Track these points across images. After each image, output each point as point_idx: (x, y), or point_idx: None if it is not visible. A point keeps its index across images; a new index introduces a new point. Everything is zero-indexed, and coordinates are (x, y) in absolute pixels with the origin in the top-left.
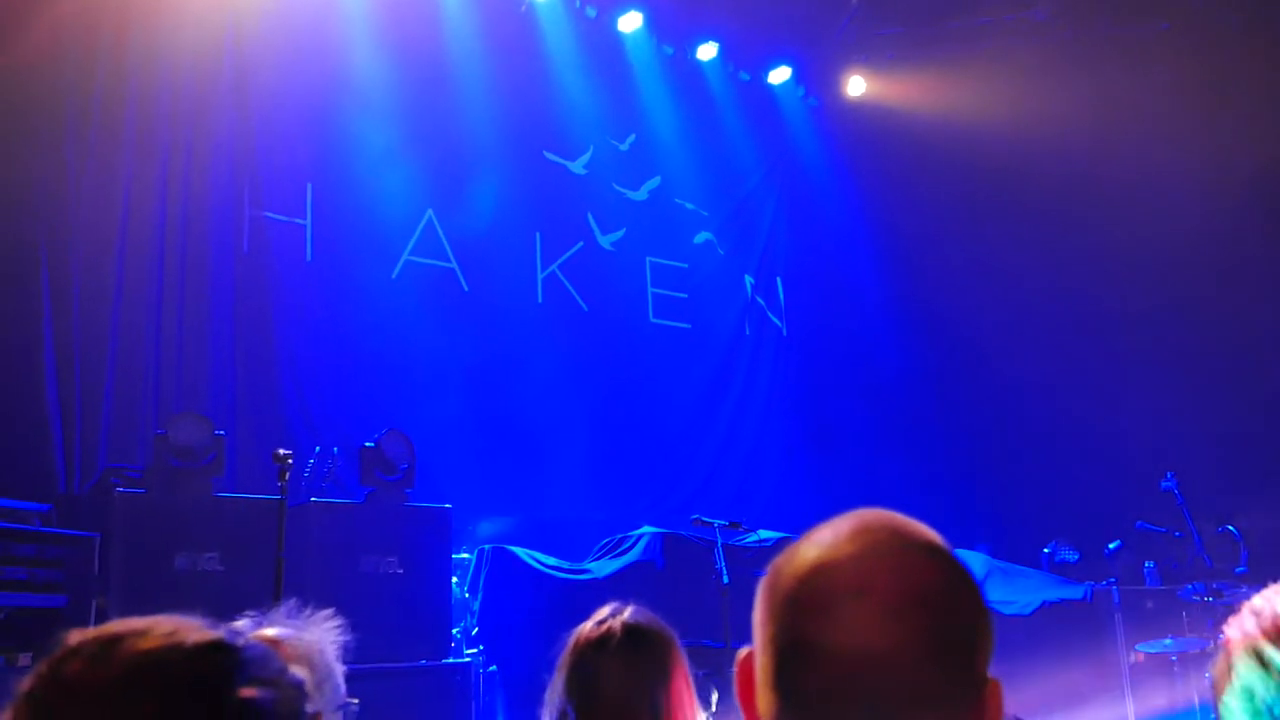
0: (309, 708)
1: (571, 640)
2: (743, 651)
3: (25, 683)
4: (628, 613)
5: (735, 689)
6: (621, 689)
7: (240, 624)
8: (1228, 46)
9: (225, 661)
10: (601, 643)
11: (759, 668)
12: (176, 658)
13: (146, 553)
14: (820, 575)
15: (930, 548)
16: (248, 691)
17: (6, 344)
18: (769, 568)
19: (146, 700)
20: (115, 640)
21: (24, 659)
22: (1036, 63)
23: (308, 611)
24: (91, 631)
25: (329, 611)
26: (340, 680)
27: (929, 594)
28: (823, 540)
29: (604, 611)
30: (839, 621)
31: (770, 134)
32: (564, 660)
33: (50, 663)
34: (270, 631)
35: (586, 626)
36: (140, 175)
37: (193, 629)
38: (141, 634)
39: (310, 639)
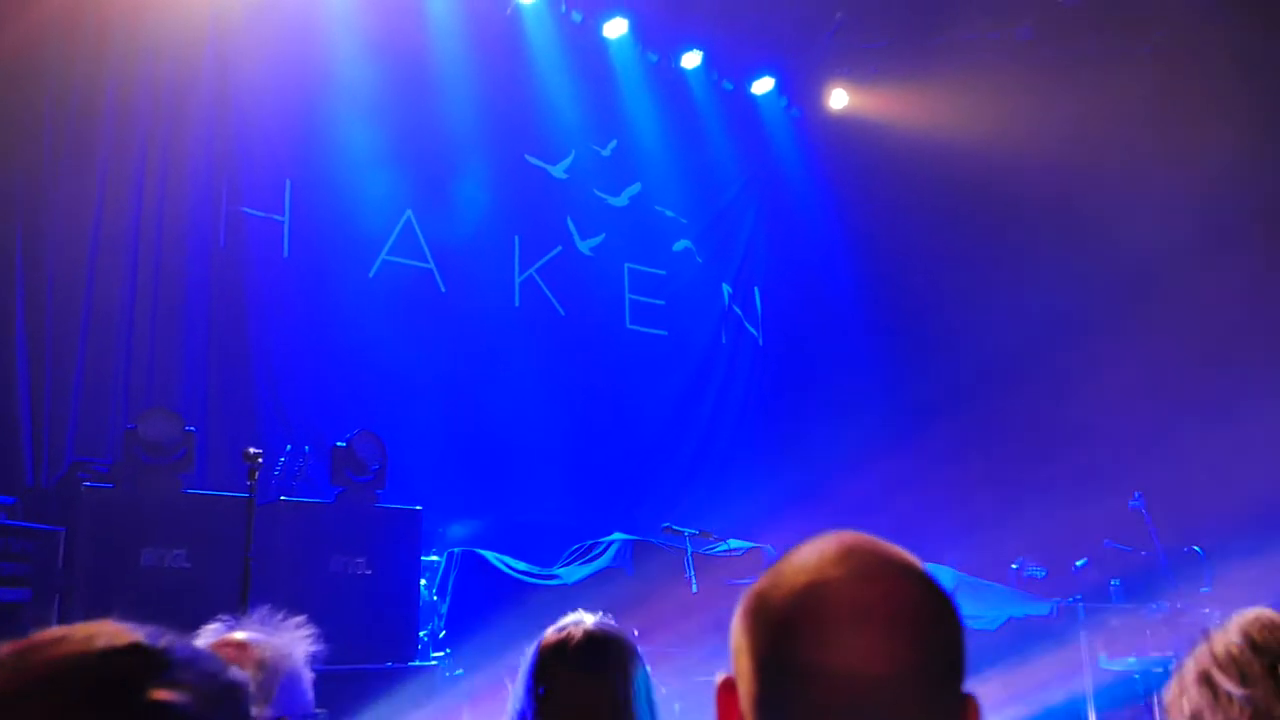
0: (254, 711)
1: (533, 647)
2: (721, 676)
3: None
4: (589, 620)
5: (716, 714)
6: (580, 696)
7: (210, 627)
8: (1212, 65)
9: (135, 664)
10: (560, 649)
11: (744, 693)
12: (85, 663)
13: (113, 548)
14: (814, 599)
15: (916, 571)
16: (160, 694)
17: None
18: (750, 591)
19: (51, 707)
20: (32, 648)
21: None
22: (1019, 80)
23: (280, 616)
24: (24, 639)
25: (301, 618)
26: (306, 685)
27: (921, 617)
28: (808, 563)
29: (567, 619)
30: (837, 645)
31: (752, 144)
32: (524, 666)
33: None
34: (238, 635)
35: (548, 633)
36: (117, 167)
37: (116, 633)
38: (60, 640)
39: (277, 643)
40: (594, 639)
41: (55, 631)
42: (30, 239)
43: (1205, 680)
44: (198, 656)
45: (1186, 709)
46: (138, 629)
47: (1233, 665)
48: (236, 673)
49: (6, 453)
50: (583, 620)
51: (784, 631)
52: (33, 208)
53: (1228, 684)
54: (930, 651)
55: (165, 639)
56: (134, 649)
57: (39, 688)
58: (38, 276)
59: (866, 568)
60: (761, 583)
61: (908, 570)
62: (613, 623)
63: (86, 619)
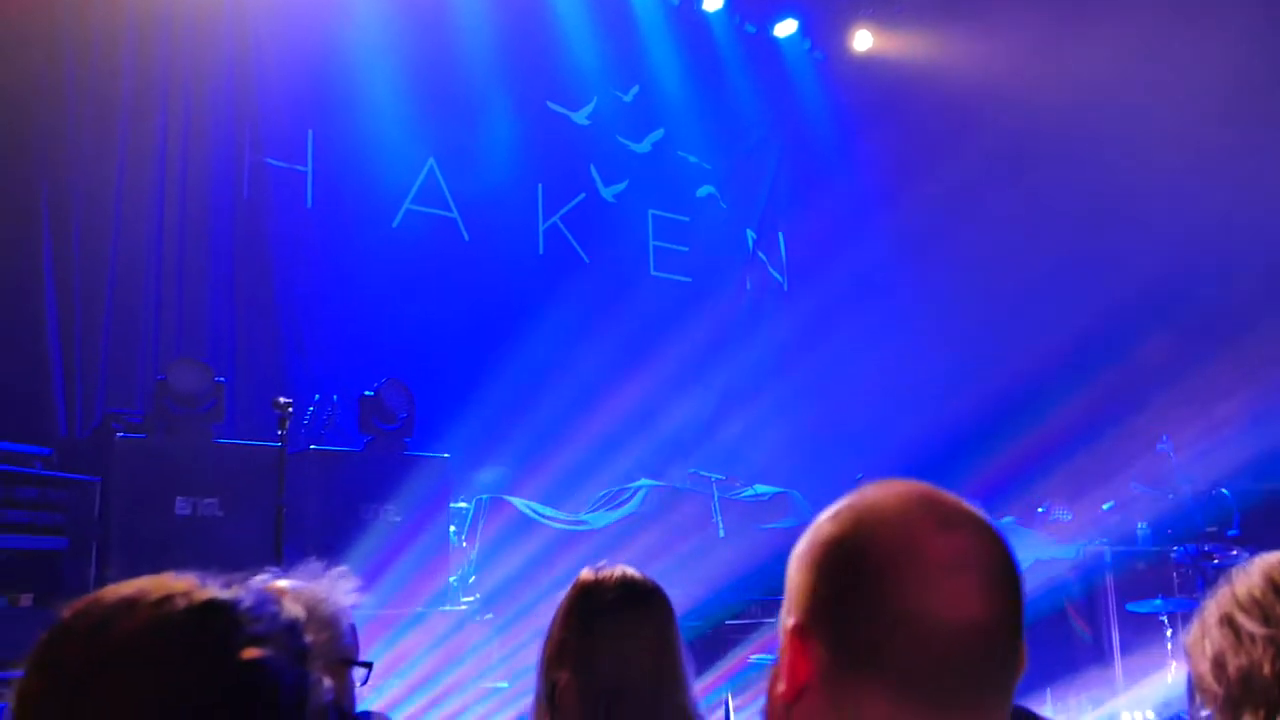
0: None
1: (567, 593)
2: (791, 620)
3: (24, 668)
4: (622, 568)
5: (786, 658)
6: (615, 636)
7: (260, 578)
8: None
9: (220, 624)
10: (597, 591)
11: (825, 640)
12: (170, 628)
13: (147, 497)
14: (911, 547)
15: (987, 520)
16: (249, 653)
17: (7, 289)
18: (825, 538)
19: (145, 678)
20: (109, 616)
21: (25, 600)
22: (1049, 17)
23: (322, 565)
24: (83, 604)
25: (343, 567)
26: (351, 635)
27: (1006, 564)
28: (893, 512)
29: (601, 563)
30: (939, 592)
31: (775, 87)
32: (559, 613)
33: (45, 646)
34: (280, 583)
35: (584, 575)
36: (139, 122)
37: (184, 591)
38: (133, 605)
39: (321, 591)
40: (630, 583)
41: (121, 592)
42: (56, 195)
43: (1227, 622)
44: (261, 601)
45: (1209, 650)
46: (190, 581)
47: (1255, 606)
48: (290, 607)
49: (40, 405)
50: (618, 566)
51: (881, 579)
52: (58, 164)
53: (1250, 625)
54: (1014, 596)
55: (230, 591)
56: (212, 608)
57: (125, 660)
58: (65, 232)
59: (952, 516)
60: (837, 530)
61: (983, 519)
62: (641, 571)
63: (123, 568)
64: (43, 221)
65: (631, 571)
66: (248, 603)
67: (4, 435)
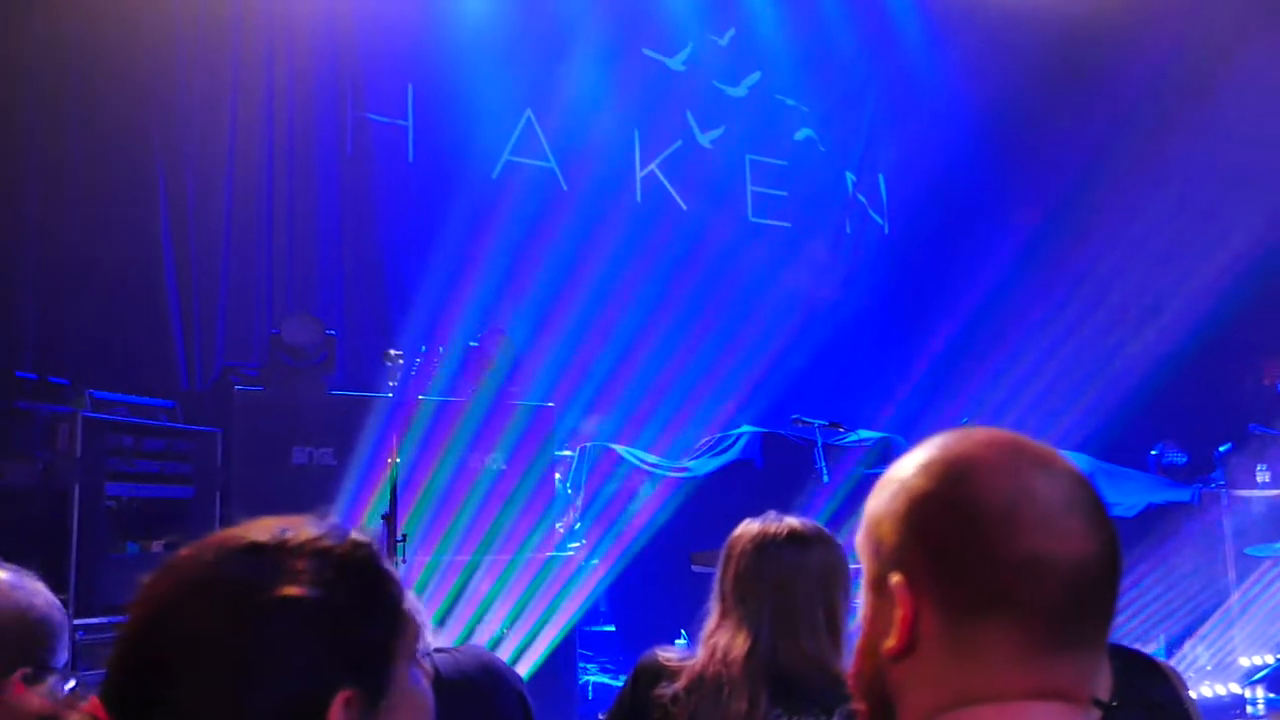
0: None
1: (737, 535)
2: (898, 577)
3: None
4: (791, 518)
5: (894, 619)
6: (804, 582)
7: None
8: None
9: (253, 566)
10: (791, 539)
11: (941, 593)
12: (207, 573)
13: (265, 448)
14: (1023, 493)
15: (1069, 462)
16: (286, 590)
17: (127, 249)
18: (919, 494)
19: (184, 610)
20: (193, 552)
21: (156, 546)
22: None
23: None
24: (201, 542)
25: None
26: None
27: (1100, 502)
28: (991, 461)
29: (769, 514)
30: (1057, 533)
31: (874, 26)
32: (733, 551)
33: (150, 580)
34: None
35: (753, 525)
36: (246, 79)
37: (240, 535)
38: (215, 542)
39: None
40: (815, 531)
41: (218, 535)
42: (170, 152)
43: None
44: (317, 537)
45: None
46: (283, 521)
47: None
48: (358, 534)
49: (162, 359)
50: (786, 517)
51: (998, 527)
52: (169, 122)
53: None
54: (1112, 530)
55: (285, 532)
56: (252, 550)
57: (179, 591)
58: (179, 191)
59: (1045, 460)
60: (933, 483)
61: (1067, 460)
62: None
63: (245, 513)
64: (158, 180)
65: (796, 520)
66: (298, 541)
67: (131, 389)
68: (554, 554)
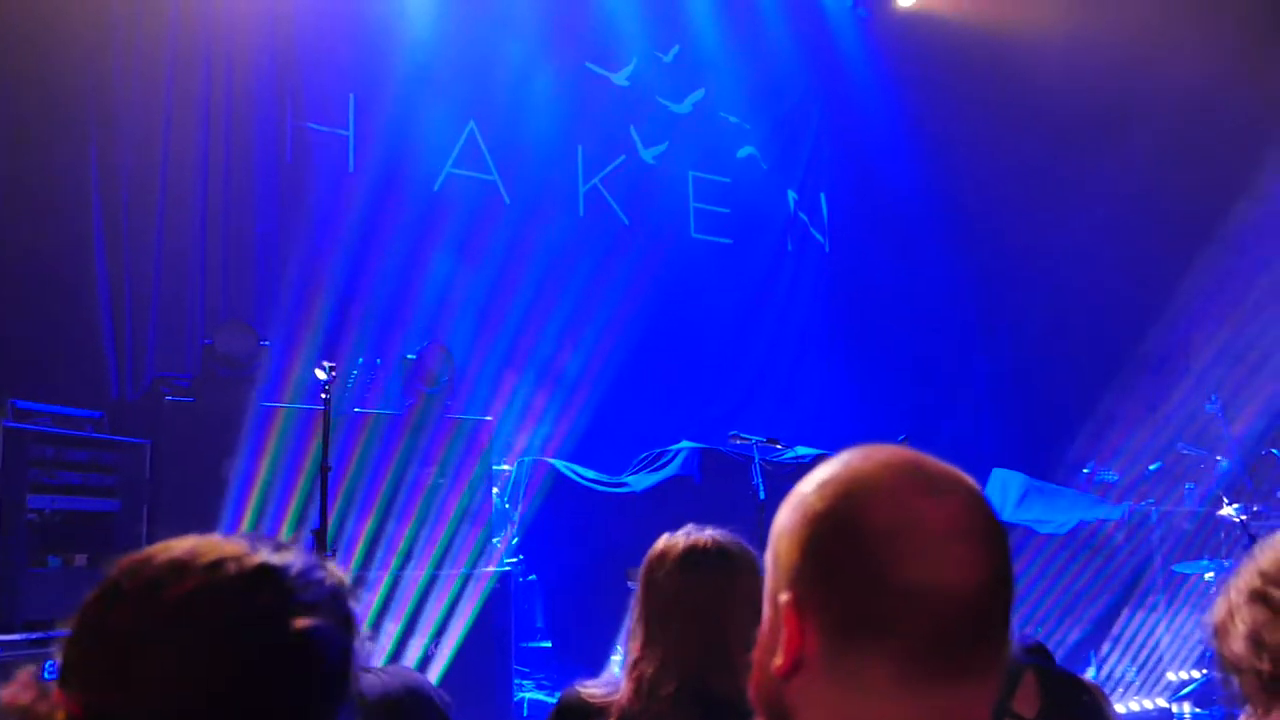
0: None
1: (660, 551)
2: (786, 596)
3: (73, 630)
4: (712, 531)
5: (785, 635)
6: (717, 598)
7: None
8: None
9: (271, 591)
10: (697, 556)
11: (826, 614)
12: (221, 594)
13: (196, 460)
14: (911, 516)
15: (973, 484)
16: (301, 622)
17: (58, 254)
18: (813, 512)
19: (194, 643)
20: (159, 580)
21: (79, 559)
22: None
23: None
24: (134, 562)
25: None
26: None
27: (998, 527)
28: (885, 482)
29: (687, 527)
30: (943, 560)
31: (817, 45)
32: (654, 573)
33: (96, 609)
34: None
35: (676, 541)
36: (183, 85)
37: (235, 555)
38: (184, 569)
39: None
40: (724, 549)
41: (171, 553)
42: (104, 159)
43: (1260, 598)
44: (309, 567)
45: (1241, 630)
46: (241, 544)
47: None
48: (334, 571)
49: (91, 369)
50: (703, 530)
51: (880, 551)
52: (105, 128)
53: None
54: (1006, 557)
55: (280, 556)
56: (264, 574)
57: (176, 624)
58: (113, 197)
59: (940, 483)
60: (827, 503)
61: (969, 483)
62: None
63: (173, 529)
64: (91, 185)
65: (718, 535)
66: (297, 568)
67: (56, 399)
68: (490, 568)
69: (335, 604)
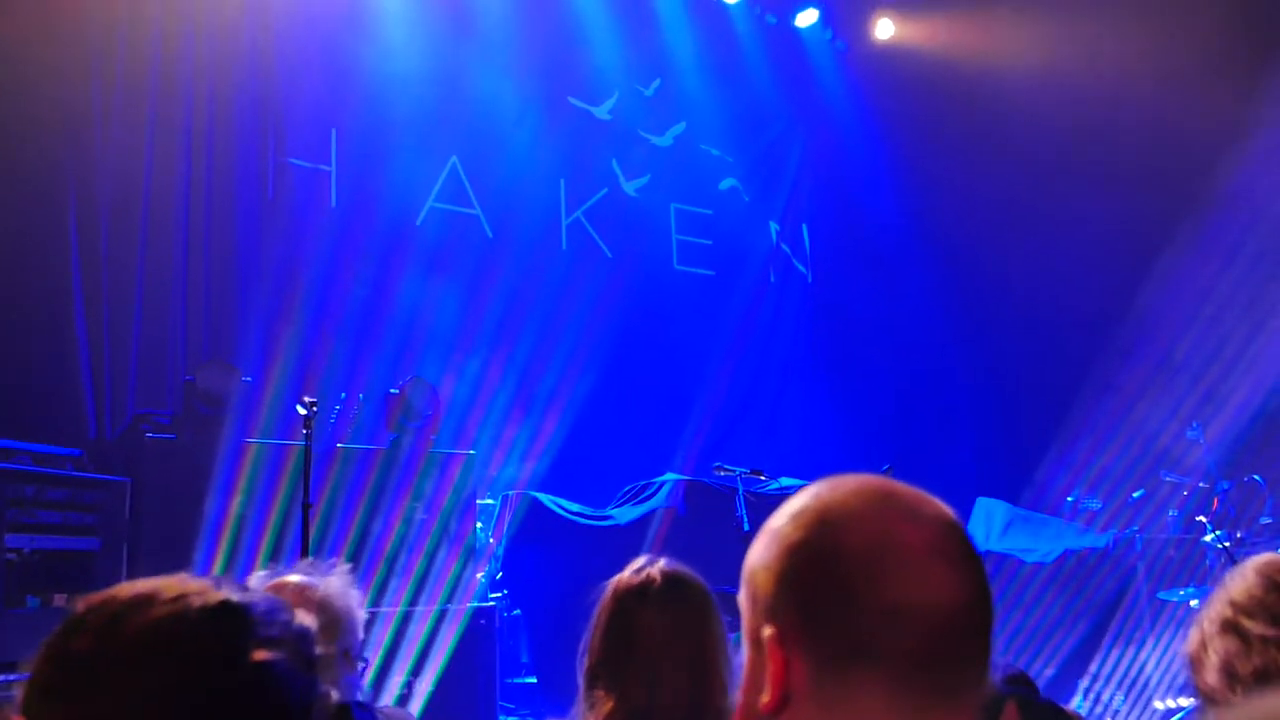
0: (317, 650)
1: (609, 589)
2: (770, 630)
3: (36, 659)
4: (663, 562)
5: (767, 672)
6: (661, 637)
7: (258, 574)
8: None
9: (234, 625)
10: (642, 591)
11: (812, 644)
12: (184, 626)
13: (177, 498)
14: (891, 542)
15: (946, 509)
16: (260, 655)
17: (36, 290)
18: (791, 544)
19: (156, 673)
20: (122, 612)
21: (58, 600)
22: (1069, 7)
23: (326, 560)
24: (99, 598)
25: (340, 559)
26: (358, 626)
27: (973, 549)
28: (861, 510)
29: (639, 562)
30: (924, 582)
31: (796, 79)
32: (602, 609)
33: (59, 638)
34: (293, 579)
35: (624, 575)
36: (165, 122)
37: (199, 591)
38: (148, 602)
39: (333, 585)
40: (673, 580)
41: (135, 589)
42: (83, 192)
43: (1232, 628)
44: (274, 607)
45: (1215, 660)
46: (204, 582)
47: (1259, 608)
48: (302, 615)
49: (70, 407)
50: (656, 562)
51: (862, 578)
52: (84, 164)
53: (1258, 627)
54: (984, 577)
55: (245, 593)
56: (227, 608)
57: (135, 656)
58: (92, 234)
59: (915, 508)
60: (804, 534)
61: (942, 507)
62: (683, 564)
63: (154, 568)
64: (70, 222)
65: (669, 565)
66: (261, 607)
67: (35, 437)
68: (474, 604)
69: (299, 644)
